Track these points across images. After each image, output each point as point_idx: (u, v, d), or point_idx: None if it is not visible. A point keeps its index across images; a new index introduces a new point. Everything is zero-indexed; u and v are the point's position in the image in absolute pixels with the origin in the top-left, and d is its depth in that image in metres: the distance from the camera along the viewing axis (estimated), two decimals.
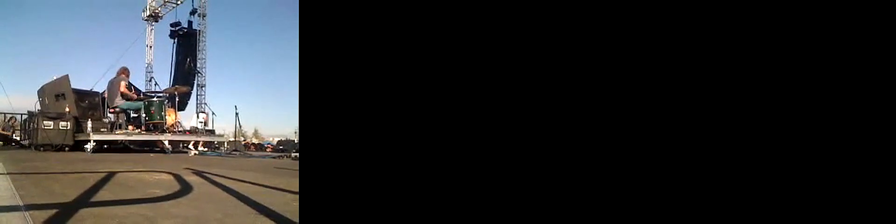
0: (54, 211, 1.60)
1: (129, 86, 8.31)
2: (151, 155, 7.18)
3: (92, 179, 2.74)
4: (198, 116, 11.66)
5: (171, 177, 3.20)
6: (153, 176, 3.26)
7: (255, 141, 24.97)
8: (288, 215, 1.72)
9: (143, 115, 8.09)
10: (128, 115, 8.41)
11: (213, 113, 12.27)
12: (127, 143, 8.34)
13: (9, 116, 10.83)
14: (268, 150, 14.37)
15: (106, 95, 8.49)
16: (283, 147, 13.68)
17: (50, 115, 7.65)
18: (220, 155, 8.41)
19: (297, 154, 8.03)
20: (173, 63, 17.69)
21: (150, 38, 18.99)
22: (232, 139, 12.56)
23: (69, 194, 2.06)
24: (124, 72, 8.39)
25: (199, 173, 3.55)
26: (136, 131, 8.02)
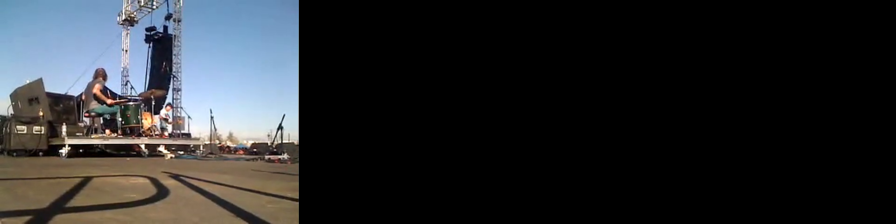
0: (28, 217, 1.59)
1: (104, 89, 8.23)
2: (128, 159, 7.13)
3: (67, 185, 2.72)
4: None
5: (148, 181, 3.19)
6: (129, 180, 3.24)
7: (229, 144, 24.85)
8: (264, 217, 1.73)
9: (119, 119, 8.03)
10: (104, 119, 8.33)
11: (189, 116, 12.26)
12: (103, 147, 8.27)
13: None
14: (239, 153, 14.34)
15: (83, 99, 8.41)
16: (256, 150, 13.65)
17: (23, 120, 7.55)
18: (195, 158, 8.36)
19: (270, 156, 8.03)
20: (149, 67, 17.63)
21: (125, 43, 18.93)
22: (207, 142, 12.50)
23: (43, 200, 2.04)
24: (101, 74, 8.29)
25: (175, 177, 3.53)
26: (113, 135, 7.95)
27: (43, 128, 7.56)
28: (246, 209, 1.94)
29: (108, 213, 1.75)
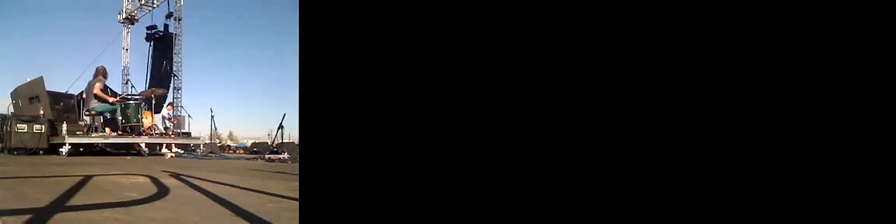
0: (28, 216, 1.59)
1: (105, 88, 8.23)
2: (128, 158, 7.13)
3: (67, 183, 2.71)
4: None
5: (148, 180, 3.18)
6: (129, 179, 3.23)
7: (230, 143, 24.94)
8: (264, 217, 1.72)
9: (120, 118, 8.04)
10: (104, 117, 8.34)
11: (189, 115, 12.28)
12: (103, 146, 8.28)
13: None
14: (239, 152, 14.39)
15: (83, 97, 8.43)
16: (257, 149, 13.68)
17: (24, 118, 7.56)
18: (196, 157, 8.37)
19: (270, 156, 8.03)
20: (149, 66, 17.67)
21: (126, 41, 18.94)
22: (207, 141, 12.52)
23: (43, 199, 2.03)
24: (101, 72, 8.30)
25: (175, 176, 3.52)
26: (113, 134, 7.96)
27: (43, 126, 7.57)
28: (246, 208, 1.94)
29: (107, 212, 1.74)
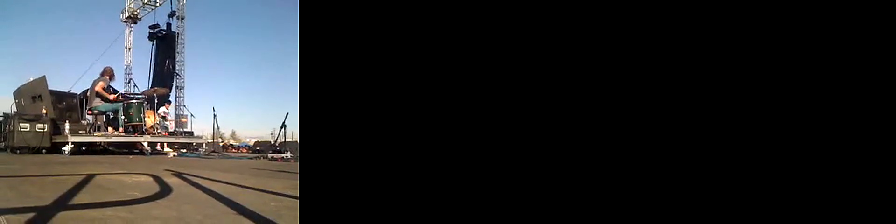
0: (31, 214, 1.59)
1: (108, 87, 8.25)
2: (130, 157, 7.14)
3: (70, 182, 2.72)
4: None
5: (151, 178, 3.19)
6: (132, 178, 3.24)
7: (232, 142, 24.99)
8: (267, 215, 1.73)
9: (122, 117, 8.05)
10: (107, 116, 8.36)
11: (192, 115, 12.30)
12: (106, 145, 8.30)
13: None
14: (242, 151, 14.42)
15: (86, 96, 8.46)
16: (259, 148, 13.69)
17: (26, 117, 7.58)
18: (198, 156, 8.38)
19: (273, 155, 8.03)
20: (152, 65, 17.70)
21: (128, 40, 18.97)
22: (210, 140, 12.52)
23: (46, 197, 2.04)
24: (108, 72, 8.33)
25: (178, 175, 3.53)
26: (115, 133, 7.97)
27: (46, 125, 7.60)
28: (249, 207, 1.94)
29: (109, 211, 1.74)
